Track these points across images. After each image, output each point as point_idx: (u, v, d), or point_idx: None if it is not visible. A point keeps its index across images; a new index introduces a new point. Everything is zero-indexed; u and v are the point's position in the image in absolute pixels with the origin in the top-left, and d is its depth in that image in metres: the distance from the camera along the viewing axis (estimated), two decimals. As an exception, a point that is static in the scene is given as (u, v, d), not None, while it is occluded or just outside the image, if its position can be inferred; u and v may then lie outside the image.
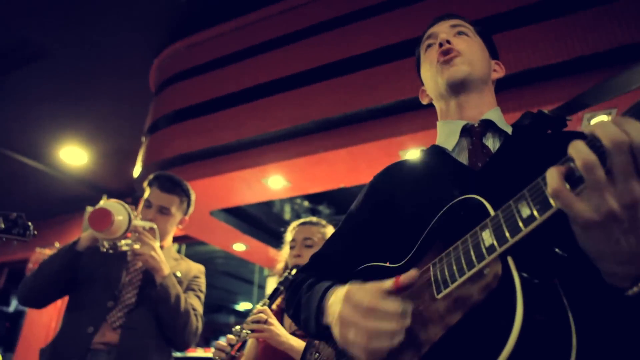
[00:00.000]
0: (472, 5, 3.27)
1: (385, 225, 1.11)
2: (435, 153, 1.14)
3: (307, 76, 3.80)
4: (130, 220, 1.80)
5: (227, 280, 10.40)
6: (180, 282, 2.09)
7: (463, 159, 1.08)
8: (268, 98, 3.92)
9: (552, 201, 0.62)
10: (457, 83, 1.13)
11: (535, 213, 0.64)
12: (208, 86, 4.30)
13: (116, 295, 1.95)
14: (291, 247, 2.09)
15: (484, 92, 1.16)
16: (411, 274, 0.80)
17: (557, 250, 0.75)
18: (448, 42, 1.14)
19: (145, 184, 2.29)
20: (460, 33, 1.20)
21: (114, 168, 6.38)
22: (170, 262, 2.13)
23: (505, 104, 1.28)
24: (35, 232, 1.49)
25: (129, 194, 6.90)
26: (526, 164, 0.96)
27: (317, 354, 1.11)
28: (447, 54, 1.14)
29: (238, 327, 1.70)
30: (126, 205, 1.82)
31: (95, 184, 6.76)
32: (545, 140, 1.05)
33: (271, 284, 6.35)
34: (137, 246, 1.93)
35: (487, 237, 0.71)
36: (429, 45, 1.24)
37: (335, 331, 0.85)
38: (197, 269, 2.27)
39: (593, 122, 3.26)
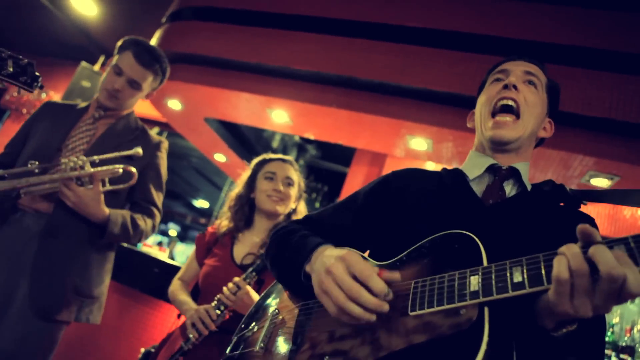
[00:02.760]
0: (539, 29, 3.17)
1: (384, 221, 1.15)
2: (456, 177, 1.18)
3: (347, 27, 3.66)
4: None
5: (196, 176, 10.46)
6: (130, 174, 1.93)
7: (478, 190, 1.13)
8: (300, 33, 3.77)
9: (544, 280, 0.70)
10: (500, 143, 1.14)
11: (526, 283, 0.71)
12: (246, -5, 4.07)
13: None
14: (268, 178, 2.02)
15: (521, 150, 1.18)
16: (395, 275, 0.86)
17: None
18: (515, 87, 1.14)
19: (118, 43, 2.05)
20: (530, 82, 1.18)
21: (121, 31, 6.06)
22: (127, 137, 2.00)
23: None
24: (42, 86, 1.37)
25: (128, 62, 6.64)
26: (530, 221, 1.03)
27: (277, 310, 1.15)
28: (505, 109, 1.14)
29: (214, 303, 1.72)
30: None
31: (97, 40, 6.46)
32: (555, 210, 1.10)
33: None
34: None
35: (475, 283, 0.77)
36: (497, 80, 1.23)
37: (317, 279, 0.90)
38: (155, 147, 2.07)
39: (593, 181, 3.33)
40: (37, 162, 1.76)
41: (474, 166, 1.18)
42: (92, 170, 1.75)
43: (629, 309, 4.32)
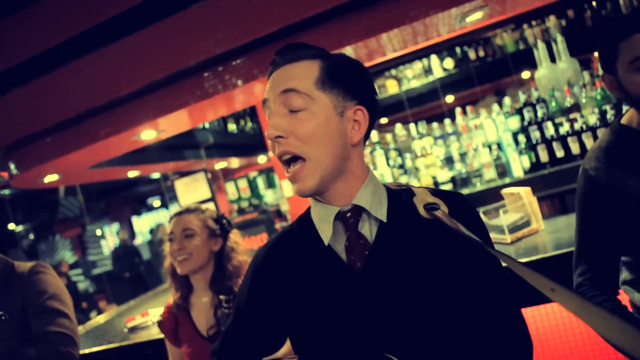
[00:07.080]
0: None
1: (275, 326, 1.08)
2: (315, 246, 1.02)
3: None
4: None
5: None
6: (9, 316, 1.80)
7: (341, 249, 0.99)
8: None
9: None
10: (308, 195, 0.98)
11: None
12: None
13: None
14: (170, 240, 1.98)
15: (347, 173, 0.98)
16: None
17: None
18: (279, 137, 0.94)
19: None
20: (293, 111, 0.94)
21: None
22: None
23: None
24: None
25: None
26: (405, 265, 0.94)
27: None
28: (288, 165, 0.96)
29: None
30: None
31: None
32: (423, 230, 0.98)
33: (179, 187, 6.20)
34: None
35: None
36: (270, 116, 0.99)
37: None
38: (24, 282, 1.89)
39: (468, 20, 3.03)
40: None
41: (322, 220, 1.00)
42: None
43: (560, 70, 4.24)
